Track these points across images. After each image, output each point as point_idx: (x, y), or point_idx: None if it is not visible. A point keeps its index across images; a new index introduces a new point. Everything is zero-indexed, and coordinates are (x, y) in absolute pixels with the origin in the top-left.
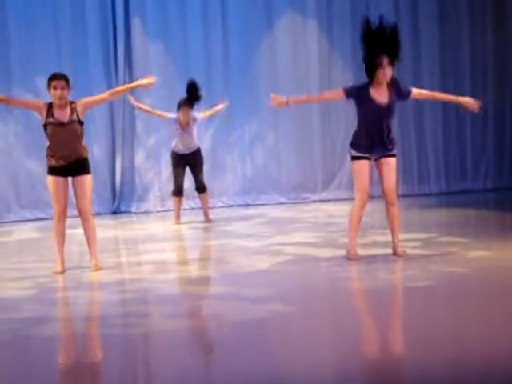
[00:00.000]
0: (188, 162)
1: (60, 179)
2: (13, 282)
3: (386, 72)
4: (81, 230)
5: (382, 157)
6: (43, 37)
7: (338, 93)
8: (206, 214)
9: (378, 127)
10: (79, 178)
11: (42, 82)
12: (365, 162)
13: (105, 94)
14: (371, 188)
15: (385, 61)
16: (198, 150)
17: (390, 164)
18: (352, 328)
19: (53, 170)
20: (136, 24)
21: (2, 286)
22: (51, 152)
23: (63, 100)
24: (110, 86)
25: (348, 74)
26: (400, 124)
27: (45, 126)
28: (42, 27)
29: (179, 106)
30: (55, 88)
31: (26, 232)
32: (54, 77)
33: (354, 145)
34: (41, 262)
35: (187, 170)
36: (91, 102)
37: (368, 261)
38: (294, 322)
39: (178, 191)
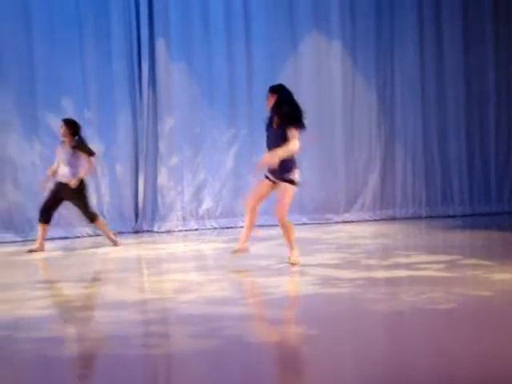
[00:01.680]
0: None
1: None
2: (35, 300)
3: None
4: (103, 250)
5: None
6: (68, 57)
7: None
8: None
9: None
10: None
11: (66, 102)
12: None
13: None
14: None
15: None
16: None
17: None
18: (375, 351)
19: None
20: (160, 44)
21: (24, 304)
22: None
23: None
24: (134, 106)
25: (372, 93)
26: (424, 145)
27: None
28: (66, 47)
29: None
30: None
31: (48, 251)
32: None
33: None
34: (62, 281)
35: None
36: None
37: (391, 283)
38: (317, 344)
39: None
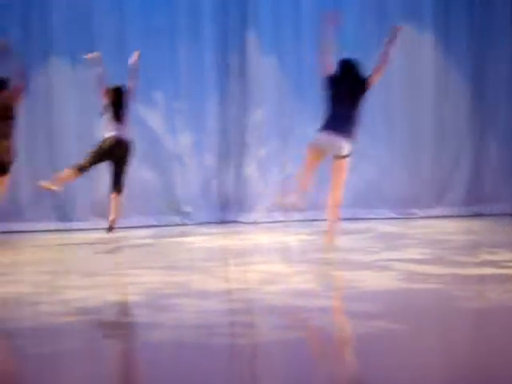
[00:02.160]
0: None
1: None
2: (123, 287)
3: None
4: (189, 239)
5: None
6: (160, 48)
7: None
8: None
9: None
10: None
11: (157, 94)
12: None
13: None
14: None
15: None
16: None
17: None
18: (458, 350)
19: None
20: (251, 36)
21: (113, 290)
22: None
23: None
24: (222, 97)
25: (465, 86)
26: None
27: None
28: (158, 37)
29: None
30: None
31: (137, 238)
32: None
33: None
34: (151, 268)
35: None
36: None
37: (478, 280)
38: (400, 340)
39: None
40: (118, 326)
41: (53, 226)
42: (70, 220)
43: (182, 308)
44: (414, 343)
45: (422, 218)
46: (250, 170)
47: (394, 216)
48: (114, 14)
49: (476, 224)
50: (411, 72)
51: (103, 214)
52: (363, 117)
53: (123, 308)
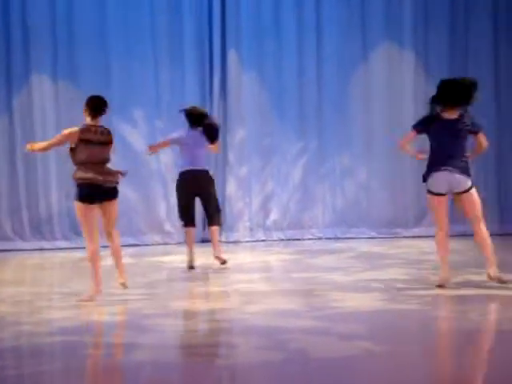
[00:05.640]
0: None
1: None
2: (103, 307)
3: None
4: (171, 258)
5: None
6: (142, 67)
7: None
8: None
9: None
10: None
11: (138, 113)
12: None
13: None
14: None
15: None
16: None
17: None
18: (439, 370)
19: None
20: (232, 54)
21: (93, 310)
22: None
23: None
24: None
25: None
26: (496, 159)
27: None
28: (141, 57)
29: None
30: None
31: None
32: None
33: None
34: (130, 287)
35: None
36: None
37: (460, 300)
38: (382, 361)
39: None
40: (98, 346)
41: (34, 245)
42: (52, 239)
43: (163, 328)
44: (397, 364)
45: (405, 237)
46: (232, 188)
47: (377, 236)
48: (97, 40)
49: (461, 244)
50: (392, 93)
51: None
52: (345, 137)
53: (103, 328)
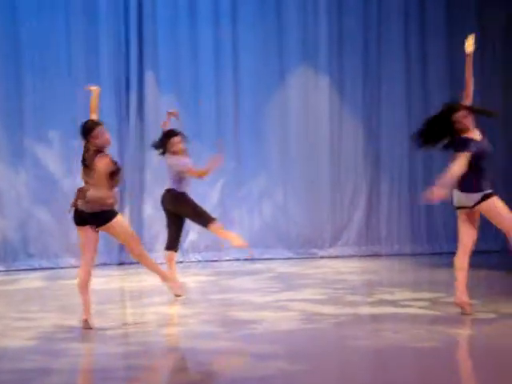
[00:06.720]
0: None
1: None
2: (17, 331)
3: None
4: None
5: None
6: (57, 87)
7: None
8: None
9: None
10: None
11: (54, 133)
12: None
13: None
14: None
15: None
16: None
17: None
18: None
19: None
20: (149, 76)
21: (7, 334)
22: None
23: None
24: (121, 137)
25: (358, 129)
26: (409, 181)
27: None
28: (55, 77)
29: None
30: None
31: (32, 281)
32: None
33: None
34: (44, 311)
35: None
36: None
37: (375, 319)
38: (299, 380)
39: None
40: (12, 372)
41: None
42: None
43: (78, 352)
44: (312, 383)
45: (320, 257)
46: (148, 210)
47: (294, 256)
48: (12, 64)
49: (374, 264)
50: (307, 113)
51: None
52: (262, 158)
53: (16, 354)
